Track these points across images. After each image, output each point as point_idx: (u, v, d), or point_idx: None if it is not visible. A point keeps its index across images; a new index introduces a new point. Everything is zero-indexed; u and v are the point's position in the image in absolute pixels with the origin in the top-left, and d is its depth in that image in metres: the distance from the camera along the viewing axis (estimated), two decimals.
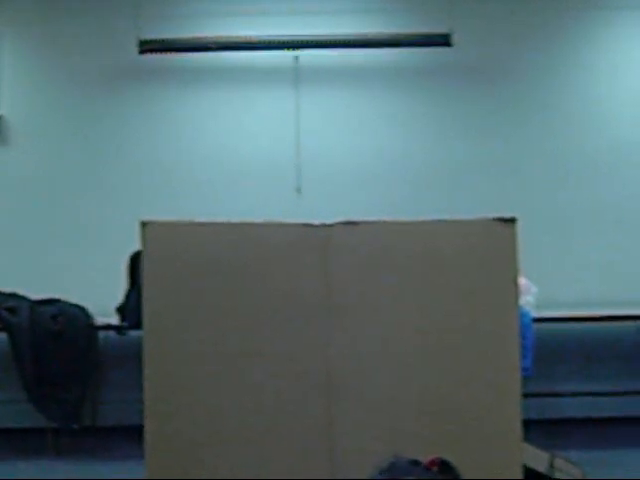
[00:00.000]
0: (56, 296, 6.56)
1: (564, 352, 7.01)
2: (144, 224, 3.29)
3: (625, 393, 6.99)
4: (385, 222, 3.82)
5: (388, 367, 3.31)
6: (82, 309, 6.50)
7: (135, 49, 7.07)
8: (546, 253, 6.97)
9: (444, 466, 2.90)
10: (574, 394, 6.97)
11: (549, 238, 7.12)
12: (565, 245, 7.23)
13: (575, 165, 7.34)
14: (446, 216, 3.38)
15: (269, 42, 7.16)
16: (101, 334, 6.57)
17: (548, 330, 6.56)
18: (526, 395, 3.34)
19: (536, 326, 6.09)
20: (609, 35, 7.44)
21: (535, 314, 6.12)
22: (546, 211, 7.20)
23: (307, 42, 7.18)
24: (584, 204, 7.29)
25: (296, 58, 7.29)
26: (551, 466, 4.18)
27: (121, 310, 6.52)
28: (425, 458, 2.85)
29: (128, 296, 6.47)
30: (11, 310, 6.34)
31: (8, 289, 6.62)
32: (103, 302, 6.47)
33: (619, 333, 7.03)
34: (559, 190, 7.31)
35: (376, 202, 6.74)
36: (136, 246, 3.38)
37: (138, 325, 3.46)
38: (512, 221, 3.30)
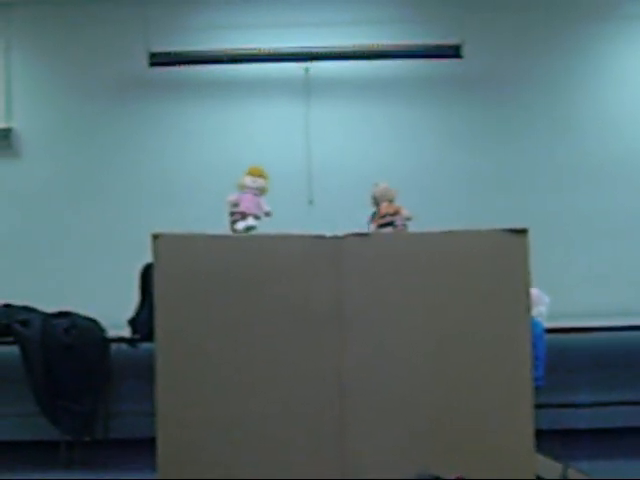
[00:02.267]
0: (68, 309, 6.57)
1: (577, 362, 6.98)
2: (155, 236, 3.30)
3: (638, 403, 6.97)
4: (397, 233, 3.84)
5: (399, 378, 3.31)
6: (94, 322, 6.51)
7: (145, 61, 7.09)
8: (558, 263, 6.95)
9: None
10: (587, 405, 6.95)
11: (561, 248, 7.10)
12: (578, 255, 7.21)
13: (586, 174, 7.33)
14: (458, 227, 3.38)
15: (279, 54, 7.17)
16: (113, 346, 6.56)
17: (560, 340, 6.54)
18: (538, 406, 3.33)
19: (548, 336, 6.07)
20: (619, 46, 7.43)
21: (547, 324, 6.11)
22: (558, 221, 7.18)
23: (317, 54, 7.18)
24: (596, 213, 7.27)
25: (306, 70, 7.30)
26: (564, 476, 4.17)
27: (133, 322, 6.52)
28: (445, 473, 2.86)
29: (140, 308, 6.47)
30: (23, 323, 6.35)
31: (20, 302, 6.63)
32: (115, 315, 6.47)
33: (632, 343, 7.01)
34: (571, 200, 7.30)
35: None
36: (148, 258, 3.38)
37: (150, 337, 3.47)
38: (523, 232, 3.30)
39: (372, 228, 4.18)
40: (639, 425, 6.93)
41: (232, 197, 4.17)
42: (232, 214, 4.15)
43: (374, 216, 4.25)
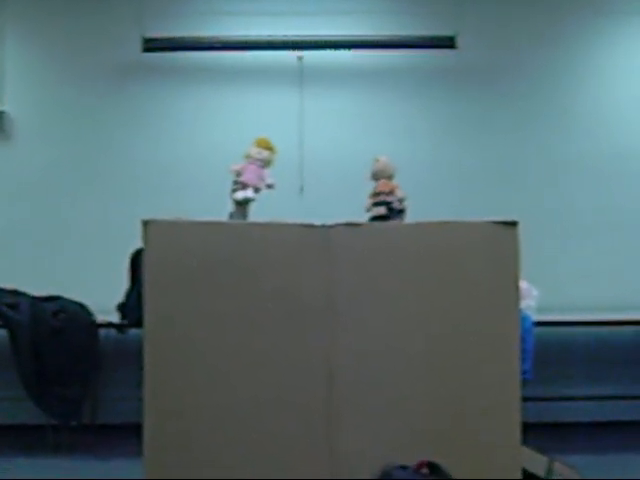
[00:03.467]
0: (57, 293, 6.56)
1: (565, 356, 7.00)
2: (146, 223, 3.30)
3: (627, 397, 6.99)
4: (386, 224, 3.83)
5: (388, 367, 3.31)
6: (83, 306, 6.50)
7: (139, 47, 7.07)
8: (549, 256, 6.96)
9: (433, 467, 2.93)
10: (575, 398, 6.97)
11: (552, 241, 7.12)
12: (568, 249, 7.23)
13: (580, 169, 7.34)
14: (449, 218, 3.38)
15: (273, 42, 7.16)
16: (101, 332, 6.55)
17: (549, 333, 6.56)
18: (526, 399, 3.33)
19: (537, 329, 6.08)
20: (616, 39, 7.43)
21: (536, 317, 6.11)
22: (550, 214, 7.20)
23: (311, 43, 7.17)
24: (588, 208, 7.29)
25: (300, 58, 7.29)
26: (549, 470, 4.18)
27: (122, 308, 6.51)
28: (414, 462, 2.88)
29: (129, 294, 6.47)
30: (11, 306, 6.34)
31: (9, 286, 6.62)
32: (104, 300, 6.46)
33: (620, 337, 7.03)
34: (563, 193, 7.31)
35: None
36: (138, 244, 3.37)
37: (138, 323, 3.46)
38: (513, 224, 3.30)
39: (368, 204, 4.17)
40: (628, 419, 6.96)
41: (236, 166, 4.18)
42: (235, 182, 4.16)
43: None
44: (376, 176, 4.27)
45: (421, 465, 2.96)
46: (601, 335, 7.01)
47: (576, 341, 7.03)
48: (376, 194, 4.19)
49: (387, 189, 4.16)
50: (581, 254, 7.22)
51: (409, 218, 4.05)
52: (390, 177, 4.25)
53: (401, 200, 4.16)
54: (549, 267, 6.85)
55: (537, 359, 5.96)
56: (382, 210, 4.12)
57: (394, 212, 4.14)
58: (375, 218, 4.11)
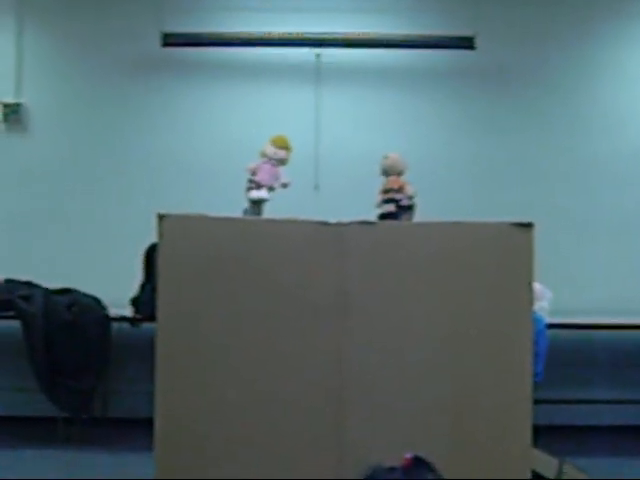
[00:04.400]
0: (71, 286, 6.58)
1: (582, 358, 6.98)
2: (161, 217, 3.29)
3: (638, 401, 6.97)
4: (401, 223, 3.82)
5: (400, 367, 3.30)
6: (96, 300, 6.52)
7: (158, 42, 7.08)
8: (565, 258, 6.96)
9: (418, 461, 2.93)
10: (587, 401, 6.95)
11: (568, 243, 7.10)
12: (585, 250, 7.21)
13: (596, 170, 7.33)
14: (465, 218, 3.37)
15: (292, 39, 7.16)
16: (114, 325, 6.57)
17: (562, 336, 6.54)
18: (537, 401, 3.33)
19: (554, 332, 6.07)
20: (634, 40, 7.41)
21: (553, 320, 6.10)
22: (566, 214, 7.19)
23: (330, 40, 7.17)
24: (604, 209, 7.28)
25: (318, 56, 7.28)
26: (560, 472, 4.17)
27: (135, 302, 6.53)
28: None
29: (143, 288, 6.49)
30: (25, 298, 6.36)
31: (23, 278, 6.64)
32: (117, 293, 6.48)
33: (633, 341, 7.01)
34: (579, 194, 7.30)
35: None
36: (152, 238, 3.38)
37: (152, 317, 3.47)
38: (529, 226, 3.28)
39: (378, 200, 4.17)
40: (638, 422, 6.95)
41: (252, 165, 4.20)
42: (250, 181, 4.17)
43: None
44: (386, 172, 4.27)
45: (407, 462, 2.95)
46: (619, 338, 6.98)
47: (594, 344, 7.00)
48: (386, 191, 4.19)
49: (396, 186, 4.16)
50: (598, 255, 7.21)
51: (424, 216, 4.03)
52: (400, 173, 4.24)
53: (410, 197, 4.16)
54: (565, 268, 6.84)
55: (554, 361, 5.95)
56: (391, 207, 4.12)
57: (403, 209, 4.14)
58: (384, 215, 4.11)
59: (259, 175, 4.15)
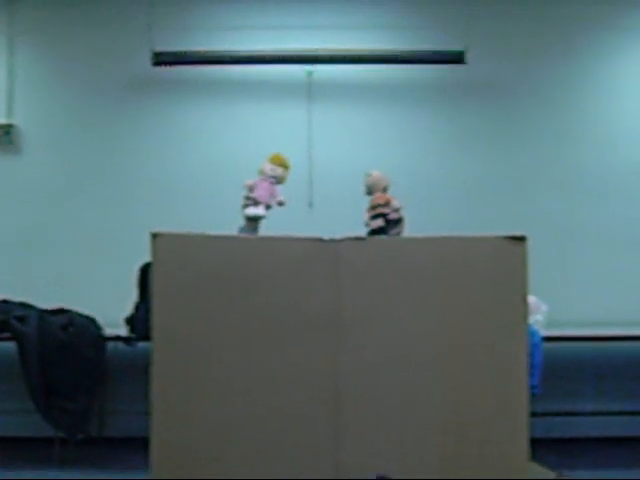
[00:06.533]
0: (65, 306, 6.57)
1: (574, 371, 6.99)
2: (155, 235, 3.30)
3: (636, 413, 6.97)
4: (395, 238, 3.83)
5: (395, 383, 3.30)
6: (91, 320, 6.51)
7: (149, 61, 7.09)
8: (556, 270, 6.96)
9: None
10: (584, 413, 6.95)
11: (561, 256, 7.12)
12: (577, 263, 7.22)
13: (587, 182, 7.35)
14: (458, 232, 3.38)
15: (283, 57, 7.17)
16: (110, 345, 6.56)
17: (558, 349, 6.54)
18: (534, 414, 3.33)
19: (546, 345, 6.07)
20: (623, 55, 7.45)
21: (545, 333, 6.10)
22: (558, 228, 7.20)
23: (321, 57, 7.19)
24: (596, 222, 7.29)
25: (310, 73, 7.30)
26: None
27: (130, 321, 6.52)
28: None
29: (137, 307, 6.47)
30: (20, 319, 6.34)
31: (18, 298, 6.63)
32: (112, 313, 6.46)
33: (629, 352, 7.01)
34: (571, 207, 7.31)
35: None
36: (146, 257, 3.37)
37: (147, 337, 3.46)
38: (522, 239, 3.29)
39: (366, 218, 4.19)
40: (636, 434, 6.94)
41: (249, 181, 4.21)
42: (246, 198, 4.18)
43: None
44: (370, 190, 4.28)
45: None
46: (610, 350, 6.99)
47: (585, 356, 7.01)
48: (373, 207, 4.20)
49: (382, 201, 4.18)
50: (589, 268, 7.22)
51: (416, 230, 4.03)
52: (385, 189, 4.26)
53: (397, 210, 4.17)
54: (557, 281, 6.84)
55: (546, 374, 5.95)
56: (380, 222, 4.13)
57: (391, 223, 4.15)
58: (374, 232, 4.12)
59: (257, 192, 4.16)
